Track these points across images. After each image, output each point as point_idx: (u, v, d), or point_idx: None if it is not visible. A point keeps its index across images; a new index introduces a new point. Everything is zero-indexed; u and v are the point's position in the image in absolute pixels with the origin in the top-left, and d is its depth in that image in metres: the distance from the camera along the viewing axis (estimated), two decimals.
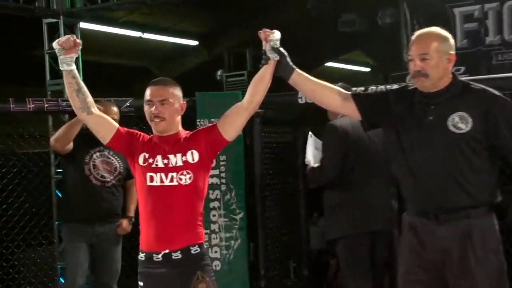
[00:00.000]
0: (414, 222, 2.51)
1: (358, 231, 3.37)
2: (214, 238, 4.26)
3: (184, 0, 6.12)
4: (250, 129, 4.27)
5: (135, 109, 4.12)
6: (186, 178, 2.45)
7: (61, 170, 4.32)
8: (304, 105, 4.01)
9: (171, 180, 2.45)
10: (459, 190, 2.41)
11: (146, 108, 2.51)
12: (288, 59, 2.52)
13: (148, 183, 2.47)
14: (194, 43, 8.35)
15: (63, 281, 4.52)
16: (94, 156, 3.77)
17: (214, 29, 8.11)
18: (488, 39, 4.07)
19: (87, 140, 3.62)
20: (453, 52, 2.48)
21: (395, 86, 3.20)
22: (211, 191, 4.20)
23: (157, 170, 2.46)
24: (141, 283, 2.52)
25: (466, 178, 2.42)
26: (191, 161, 2.47)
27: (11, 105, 3.78)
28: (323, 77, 2.70)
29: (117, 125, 2.58)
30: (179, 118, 2.56)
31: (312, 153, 3.54)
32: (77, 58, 4.97)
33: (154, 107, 2.48)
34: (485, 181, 2.45)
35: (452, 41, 2.50)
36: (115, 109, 3.75)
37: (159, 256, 2.45)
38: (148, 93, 2.51)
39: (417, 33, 2.52)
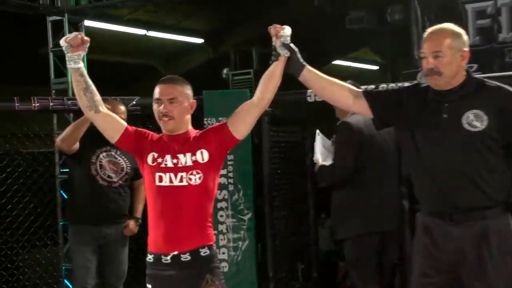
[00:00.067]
0: (428, 223, 2.47)
1: (368, 231, 3.34)
2: (221, 239, 4.22)
3: None
4: (259, 128, 4.23)
5: (141, 108, 4.09)
6: (195, 178, 2.41)
7: (67, 170, 4.28)
8: (313, 104, 3.96)
9: (181, 180, 2.41)
10: (474, 190, 2.38)
11: (154, 106, 2.47)
12: (299, 56, 2.47)
13: (157, 183, 2.43)
14: (200, 41, 8.30)
15: (68, 283, 4.48)
16: (101, 156, 3.72)
17: (220, 26, 8.06)
18: (501, 36, 4.03)
19: (93, 139, 3.58)
20: (466, 49, 2.44)
21: (406, 84, 3.15)
22: (218, 191, 4.15)
23: (166, 170, 2.42)
24: (149, 286, 2.47)
25: (481, 177, 2.38)
26: (201, 161, 2.43)
27: (16, 104, 3.75)
28: (331, 76, 2.65)
29: (125, 124, 2.53)
30: (188, 117, 2.52)
31: (320, 152, 3.51)
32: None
33: (162, 105, 2.44)
34: (501, 180, 2.40)
35: (465, 37, 2.46)
36: (122, 108, 3.71)
37: (168, 258, 2.40)
38: (157, 91, 2.47)
39: (429, 30, 2.48)
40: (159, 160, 2.44)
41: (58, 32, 4.80)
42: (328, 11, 5.92)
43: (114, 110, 3.47)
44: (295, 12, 6.16)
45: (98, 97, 2.46)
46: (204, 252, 2.42)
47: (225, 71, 7.13)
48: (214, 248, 2.48)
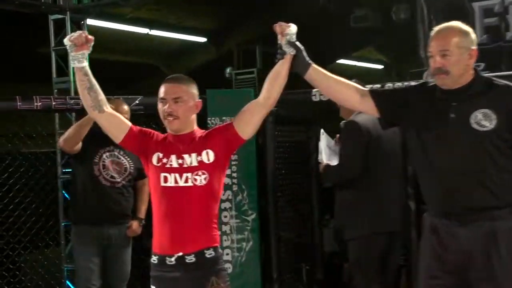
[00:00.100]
0: (435, 224, 2.44)
1: (373, 232, 3.32)
2: (225, 240, 4.19)
3: None
4: (263, 128, 4.18)
5: (144, 107, 4.06)
6: (201, 179, 2.38)
7: (69, 170, 4.26)
8: (318, 103, 3.92)
9: (186, 181, 2.37)
10: (483, 190, 2.35)
11: (159, 106, 2.43)
12: (305, 54, 2.44)
13: (162, 183, 2.39)
14: (203, 39, 8.26)
15: (70, 284, 4.45)
16: (104, 156, 3.69)
17: (223, 25, 8.02)
18: (509, 35, 3.99)
19: (96, 139, 3.55)
20: (474, 47, 2.41)
21: (413, 83, 3.12)
22: (222, 192, 4.11)
23: (171, 170, 2.39)
24: (153, 287, 2.43)
25: (490, 177, 2.35)
26: (207, 161, 2.40)
27: (18, 103, 3.72)
28: (336, 75, 2.61)
29: (129, 123, 2.50)
30: (194, 117, 2.48)
31: (325, 151, 3.47)
32: None
33: (167, 105, 2.40)
34: (510, 180, 2.37)
35: (473, 35, 2.43)
36: (126, 107, 3.68)
37: (172, 259, 2.37)
38: (162, 90, 2.43)
39: (436, 28, 2.45)
40: (164, 160, 2.40)
41: (60, 30, 4.78)
42: (332, 10, 5.89)
43: (117, 109, 3.44)
44: (299, 10, 6.11)
45: (102, 96, 2.43)
46: (209, 253, 2.39)
47: (228, 70, 7.09)
48: (220, 249, 2.45)
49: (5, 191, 4.38)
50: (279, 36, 2.40)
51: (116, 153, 3.72)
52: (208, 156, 2.40)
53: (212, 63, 8.03)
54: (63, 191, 4.54)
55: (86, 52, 2.37)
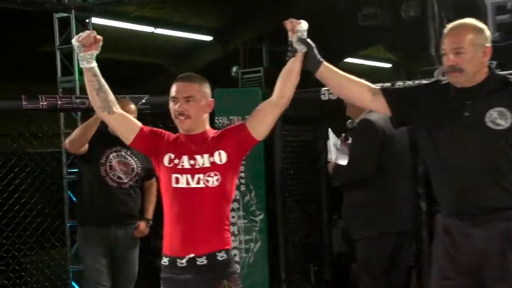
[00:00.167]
0: (448, 224, 2.41)
1: (384, 231, 3.30)
2: (233, 241, 4.12)
3: None
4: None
5: (151, 106, 4.03)
6: (213, 180, 2.34)
7: (74, 170, 4.23)
8: (327, 102, 3.88)
9: (198, 182, 2.34)
10: (498, 190, 2.31)
11: (171, 105, 2.39)
12: (316, 51, 2.39)
13: (174, 184, 2.35)
14: (208, 38, 8.22)
15: (76, 285, 4.42)
16: (111, 156, 3.65)
17: (228, 24, 7.98)
18: None
19: (103, 140, 3.53)
20: (488, 44, 2.37)
21: (424, 81, 3.08)
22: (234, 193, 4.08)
23: (183, 171, 2.35)
24: None
25: (505, 177, 2.31)
26: (219, 162, 2.36)
27: (24, 102, 3.68)
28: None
29: (139, 124, 2.45)
30: (206, 116, 2.44)
31: (333, 150, 3.45)
32: None
33: (178, 104, 2.36)
34: None
35: (487, 32, 2.39)
36: (133, 107, 3.63)
37: (183, 261, 2.33)
38: (173, 89, 2.39)
39: (450, 25, 2.40)
40: (176, 161, 2.37)
41: (65, 29, 4.74)
42: (340, 8, 5.85)
43: (124, 108, 3.39)
44: (306, 8, 6.07)
45: (111, 97, 2.39)
46: (221, 256, 2.35)
47: (234, 69, 7.06)
48: (231, 252, 2.41)
49: (11, 191, 4.36)
50: (289, 33, 2.36)
51: (123, 153, 3.68)
52: (221, 157, 2.36)
53: (218, 62, 7.99)
54: (69, 192, 4.51)
55: (95, 52, 2.33)
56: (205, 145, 2.38)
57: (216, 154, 2.36)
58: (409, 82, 3.58)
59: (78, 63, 2.36)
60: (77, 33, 4.66)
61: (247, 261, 4.16)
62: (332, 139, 3.53)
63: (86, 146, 3.57)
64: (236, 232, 4.15)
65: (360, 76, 2.89)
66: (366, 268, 3.37)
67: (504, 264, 2.30)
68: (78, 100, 3.89)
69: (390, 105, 2.46)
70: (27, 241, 4.48)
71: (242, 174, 4.18)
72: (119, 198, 3.62)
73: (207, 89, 2.43)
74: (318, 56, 2.40)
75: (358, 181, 3.34)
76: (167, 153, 2.38)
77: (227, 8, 7.54)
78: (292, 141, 4.49)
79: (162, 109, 4.18)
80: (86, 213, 3.69)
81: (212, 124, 4.04)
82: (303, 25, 2.35)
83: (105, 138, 3.56)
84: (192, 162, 2.35)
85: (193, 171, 2.34)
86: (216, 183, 2.34)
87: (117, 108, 2.41)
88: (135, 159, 3.71)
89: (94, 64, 2.34)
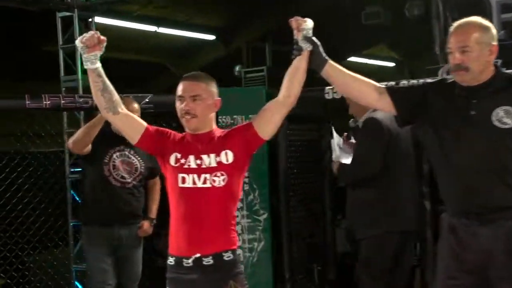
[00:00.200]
0: (454, 223, 2.40)
1: (389, 230, 3.29)
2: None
3: None
4: None
5: (154, 105, 4.01)
6: (219, 180, 2.33)
7: (77, 170, 4.22)
8: (331, 101, 3.86)
9: (204, 182, 2.33)
10: (504, 189, 2.31)
11: (177, 104, 2.39)
12: (321, 49, 2.38)
13: (180, 184, 2.34)
14: (211, 37, 8.19)
15: (79, 285, 4.41)
16: (114, 156, 3.64)
17: (232, 23, 7.96)
18: None
19: (106, 139, 3.53)
20: (495, 43, 2.36)
21: (429, 80, 3.07)
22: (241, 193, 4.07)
23: (189, 171, 2.34)
24: None
25: (511, 175, 2.31)
26: (225, 162, 2.35)
27: (27, 102, 3.67)
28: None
29: (145, 123, 2.44)
30: (212, 116, 2.43)
31: (338, 150, 3.45)
32: None
33: (185, 103, 2.35)
34: None
35: (494, 31, 2.38)
36: (136, 106, 3.62)
37: (189, 261, 2.32)
38: (179, 88, 2.39)
39: (456, 23, 2.39)
40: (182, 160, 2.35)
41: (68, 28, 4.74)
42: (343, 6, 5.83)
43: (127, 108, 3.35)
44: (308, 7, 6.05)
45: (116, 97, 2.37)
46: (228, 256, 2.34)
47: (237, 68, 7.04)
48: (238, 252, 2.40)
49: (14, 191, 4.36)
50: (295, 32, 2.34)
51: (126, 153, 3.67)
52: (227, 156, 2.35)
53: (221, 61, 7.97)
54: (72, 191, 4.50)
55: (99, 53, 2.32)
56: (212, 145, 2.37)
57: (222, 153, 2.35)
58: (414, 81, 3.57)
59: (81, 62, 2.35)
60: (80, 32, 4.68)
61: (250, 261, 4.15)
62: (336, 138, 3.52)
63: (90, 146, 3.56)
64: (239, 232, 4.13)
65: (365, 76, 2.88)
66: (369, 268, 3.36)
67: (510, 263, 2.30)
68: (81, 99, 3.87)
69: (396, 104, 2.45)
70: (30, 240, 4.48)
71: (246, 174, 4.16)
72: (123, 198, 3.62)
73: (214, 88, 2.42)
74: (324, 55, 2.39)
75: (363, 180, 3.33)
76: (173, 152, 2.37)
77: (230, 7, 7.52)
78: (296, 140, 4.47)
79: (165, 108, 4.21)
80: (90, 213, 3.68)
81: (216, 123, 4.04)
82: (309, 23, 2.34)
83: (109, 138, 3.56)
84: (198, 161, 2.34)
85: (199, 170, 2.33)
86: (222, 183, 2.33)
87: (122, 109, 2.39)
88: (139, 159, 3.69)
89: (98, 65, 2.33)
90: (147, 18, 7.31)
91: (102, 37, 2.31)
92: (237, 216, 4.16)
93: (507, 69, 3.34)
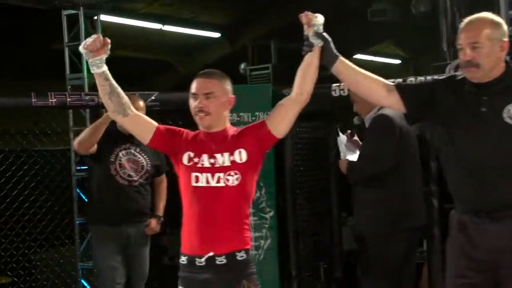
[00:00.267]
0: (464, 220, 2.37)
1: (399, 228, 3.27)
2: None
3: None
4: None
5: (160, 103, 4.00)
6: (233, 179, 2.31)
7: (83, 168, 4.21)
8: (338, 99, 3.84)
9: (218, 181, 2.31)
10: None
11: (191, 101, 2.37)
12: (332, 45, 2.34)
13: (193, 183, 2.33)
14: (217, 35, 8.18)
15: (85, 283, 4.41)
16: (120, 154, 3.62)
17: (237, 20, 7.94)
18: None
19: (112, 138, 3.51)
20: (506, 39, 2.33)
21: (439, 77, 3.04)
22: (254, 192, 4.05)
23: (203, 170, 2.32)
24: None
25: None
26: (239, 161, 2.33)
27: (33, 100, 3.66)
28: None
29: (155, 123, 2.42)
30: (226, 113, 2.40)
31: (344, 148, 3.44)
32: None
33: (198, 100, 2.33)
34: None
35: (505, 27, 2.35)
36: (141, 103, 3.60)
37: (202, 260, 2.30)
38: (193, 85, 2.37)
39: (466, 19, 2.36)
40: (196, 159, 2.34)
41: (73, 26, 4.73)
42: (349, 3, 5.81)
43: (132, 105, 3.39)
44: (315, 4, 6.03)
45: (125, 99, 2.35)
46: (241, 256, 2.32)
47: (242, 66, 7.02)
48: (251, 252, 2.38)
49: (21, 189, 4.36)
50: (305, 27, 2.30)
51: (132, 151, 3.66)
52: (241, 155, 2.33)
53: (226, 59, 7.94)
54: (78, 189, 4.50)
55: (104, 56, 2.28)
56: (226, 144, 2.35)
57: (236, 152, 2.33)
58: (421, 78, 3.54)
59: (87, 60, 2.32)
60: (85, 30, 4.68)
61: (257, 258, 4.13)
62: (341, 136, 3.50)
63: (95, 146, 3.55)
64: None
65: (373, 73, 2.86)
66: (376, 266, 3.33)
67: None
68: (87, 97, 3.87)
69: (405, 102, 2.42)
70: (36, 238, 4.47)
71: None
72: (130, 196, 3.60)
73: (227, 85, 2.39)
74: (335, 51, 2.35)
75: (373, 178, 3.30)
76: (186, 151, 2.36)
77: (235, 5, 7.50)
78: (302, 138, 4.45)
79: (171, 106, 4.20)
80: (97, 212, 3.66)
81: None
82: (320, 18, 2.30)
83: (114, 136, 3.55)
84: (212, 160, 2.32)
85: (213, 170, 2.31)
86: (236, 182, 2.31)
87: (131, 110, 2.37)
88: (145, 157, 3.68)
89: (105, 68, 2.30)
90: (152, 16, 7.30)
91: (106, 39, 2.27)
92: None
93: None
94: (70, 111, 4.51)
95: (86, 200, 4.30)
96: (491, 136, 2.29)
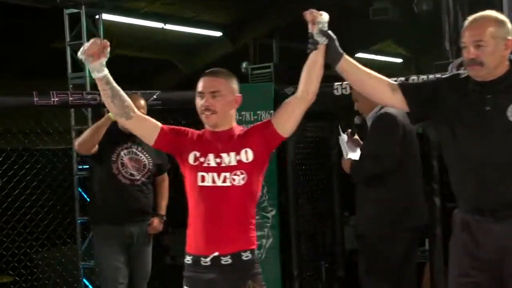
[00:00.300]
0: (467, 220, 2.36)
1: (401, 228, 3.27)
2: None
3: None
4: None
5: (162, 102, 3.99)
6: (239, 179, 2.30)
7: (85, 167, 4.21)
8: (340, 97, 3.84)
9: (224, 181, 2.30)
10: None
11: (197, 100, 2.36)
12: (337, 43, 2.33)
13: (199, 183, 2.32)
14: (218, 34, 8.18)
15: (87, 282, 4.41)
16: (122, 153, 3.61)
17: (239, 19, 7.94)
18: None
19: (113, 137, 3.50)
20: (510, 37, 2.31)
21: (442, 75, 3.03)
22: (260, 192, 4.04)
23: (209, 169, 2.31)
24: None
25: None
26: (245, 161, 2.32)
27: (35, 99, 3.66)
28: None
29: (159, 124, 2.41)
30: (233, 112, 2.40)
31: (346, 147, 3.42)
32: None
33: (205, 99, 2.32)
34: None
35: (509, 25, 2.33)
36: (142, 102, 3.59)
37: (207, 259, 2.30)
38: (200, 84, 2.36)
39: (471, 17, 2.34)
40: (202, 159, 2.33)
41: (75, 25, 4.72)
42: (351, 2, 5.79)
43: (133, 103, 3.38)
44: (316, 3, 6.02)
45: (127, 102, 2.34)
46: (246, 256, 2.31)
47: (244, 65, 7.02)
48: (256, 252, 2.36)
49: (22, 188, 4.36)
50: (309, 25, 2.28)
51: (134, 150, 3.65)
52: (247, 155, 2.32)
53: (228, 57, 7.95)
54: (79, 188, 4.50)
55: (104, 59, 2.27)
56: (232, 143, 2.34)
57: (242, 152, 2.32)
58: (423, 77, 3.53)
59: (87, 66, 2.29)
60: (87, 29, 4.68)
61: (259, 257, 4.12)
62: (342, 135, 3.50)
63: (96, 146, 3.54)
64: None
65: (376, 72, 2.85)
66: (378, 265, 3.33)
67: None
68: (89, 96, 3.86)
69: (408, 101, 2.41)
70: (38, 237, 4.47)
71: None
72: (132, 195, 3.59)
73: (234, 84, 2.38)
74: (340, 49, 2.34)
75: (375, 177, 3.29)
76: (192, 151, 2.35)
77: (237, 4, 7.50)
78: (304, 137, 4.45)
79: (173, 105, 4.20)
80: (100, 212, 3.64)
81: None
82: (324, 16, 2.28)
83: (115, 135, 3.53)
84: (218, 160, 2.31)
85: (219, 169, 2.31)
86: (242, 182, 2.30)
87: (135, 112, 2.36)
88: (146, 155, 3.67)
89: (106, 72, 2.28)
90: (154, 15, 7.30)
91: (105, 42, 2.25)
92: None
93: None
94: (72, 110, 4.49)
95: (88, 199, 4.29)
96: (495, 135, 2.28)
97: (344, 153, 3.47)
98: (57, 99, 3.71)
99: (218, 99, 2.32)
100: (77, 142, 3.62)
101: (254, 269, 2.33)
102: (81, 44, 4.72)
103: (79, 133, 4.23)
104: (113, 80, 2.31)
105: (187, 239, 2.37)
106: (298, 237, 4.27)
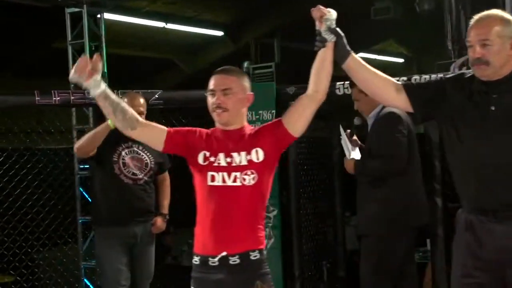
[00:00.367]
0: (471, 220, 2.34)
1: (399, 228, 3.27)
2: None
3: None
4: None
5: (164, 101, 3.98)
6: (250, 179, 2.28)
7: (86, 166, 4.20)
8: (342, 97, 3.83)
9: (234, 180, 2.28)
10: None
11: (208, 98, 2.34)
12: (345, 41, 2.30)
13: (209, 182, 2.30)
14: (220, 33, 8.16)
15: (88, 282, 4.40)
16: (123, 153, 3.58)
17: (240, 19, 7.93)
18: None
19: (113, 137, 3.45)
20: None
21: (446, 75, 3.02)
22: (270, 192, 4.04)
23: (219, 169, 2.30)
24: None
25: None
26: (256, 160, 2.30)
27: (37, 98, 3.66)
28: None
29: (165, 128, 2.39)
30: (244, 111, 2.38)
31: (347, 147, 3.40)
32: (101, 50, 4.78)
33: (216, 97, 2.31)
34: None
35: None
36: (142, 100, 3.56)
37: (215, 260, 2.28)
38: (211, 82, 2.34)
39: (476, 16, 2.32)
40: (212, 159, 2.31)
41: (77, 24, 4.72)
42: (352, 2, 5.78)
43: (132, 102, 3.37)
44: (317, 2, 6.01)
45: (129, 114, 2.32)
46: (254, 256, 2.29)
47: (245, 64, 7.01)
48: (265, 252, 2.34)
49: (23, 187, 4.35)
50: (317, 22, 2.25)
51: (135, 149, 3.62)
52: (258, 155, 2.30)
53: (229, 57, 7.93)
54: (81, 188, 4.49)
55: (97, 76, 2.24)
56: (243, 143, 2.32)
57: (253, 152, 2.30)
58: (426, 76, 3.52)
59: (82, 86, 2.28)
60: (89, 28, 4.67)
61: None
62: (343, 135, 3.49)
63: (95, 150, 3.51)
64: None
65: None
66: (378, 265, 3.33)
67: None
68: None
69: (412, 101, 2.40)
70: (40, 237, 4.46)
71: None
72: (136, 195, 3.57)
73: (245, 82, 2.37)
74: (347, 47, 2.31)
75: (382, 177, 3.29)
76: (201, 151, 2.33)
77: (238, 3, 7.48)
78: (306, 137, 4.43)
79: (174, 104, 4.19)
80: (103, 213, 3.60)
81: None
82: (332, 13, 2.25)
83: (115, 135, 3.48)
84: (228, 159, 2.30)
85: (229, 169, 2.29)
86: (252, 182, 2.28)
87: (139, 122, 2.34)
88: (148, 154, 3.65)
89: (103, 87, 2.26)
90: (155, 14, 7.29)
91: (95, 58, 2.23)
92: None
93: None
94: (73, 109, 4.49)
95: (89, 199, 4.28)
96: (500, 135, 2.26)
97: (346, 153, 3.46)
98: (58, 98, 3.72)
99: (230, 96, 2.30)
100: (76, 145, 3.60)
101: (262, 269, 2.31)
102: (82, 44, 4.74)
103: (80, 132, 4.23)
104: (112, 94, 2.29)
105: (195, 239, 2.35)
106: (299, 237, 4.26)
